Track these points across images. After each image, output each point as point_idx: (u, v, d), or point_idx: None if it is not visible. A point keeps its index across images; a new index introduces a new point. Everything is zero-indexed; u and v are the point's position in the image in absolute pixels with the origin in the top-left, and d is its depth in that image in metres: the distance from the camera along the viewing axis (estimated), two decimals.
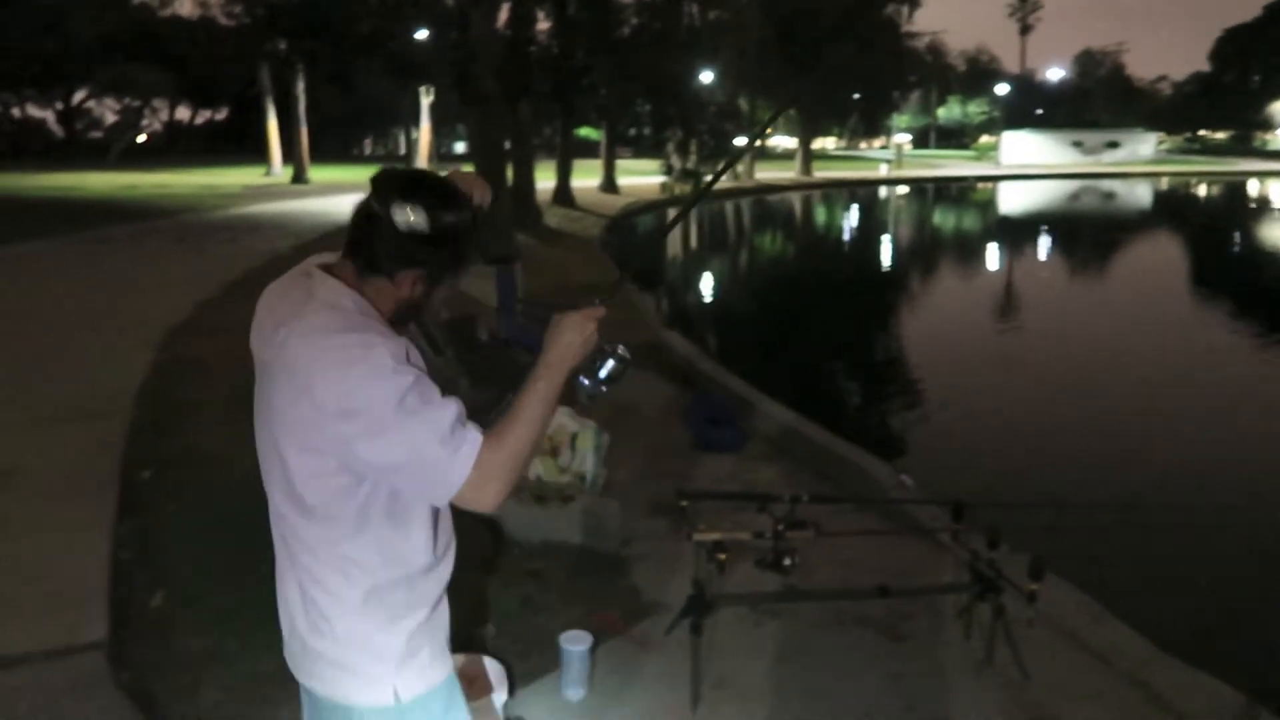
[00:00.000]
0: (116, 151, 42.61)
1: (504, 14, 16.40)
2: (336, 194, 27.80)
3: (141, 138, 56.05)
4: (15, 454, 5.07)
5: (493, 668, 2.74)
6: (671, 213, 27.48)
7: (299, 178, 33.04)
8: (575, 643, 2.99)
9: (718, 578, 3.10)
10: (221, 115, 62.23)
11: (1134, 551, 4.53)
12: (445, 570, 1.61)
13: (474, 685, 2.69)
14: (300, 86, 31.93)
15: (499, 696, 2.66)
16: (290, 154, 34.08)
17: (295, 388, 1.38)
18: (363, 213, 1.44)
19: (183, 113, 62.07)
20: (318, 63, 17.41)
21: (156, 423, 5.72)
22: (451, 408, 1.37)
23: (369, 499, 1.43)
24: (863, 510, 4.30)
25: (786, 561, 3.01)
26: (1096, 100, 78.55)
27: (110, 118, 54.33)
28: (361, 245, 1.44)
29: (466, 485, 1.36)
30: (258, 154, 39.49)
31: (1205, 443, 7.12)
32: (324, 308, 1.40)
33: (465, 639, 3.24)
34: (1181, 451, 6.91)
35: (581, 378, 1.53)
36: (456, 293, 1.55)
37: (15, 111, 53.83)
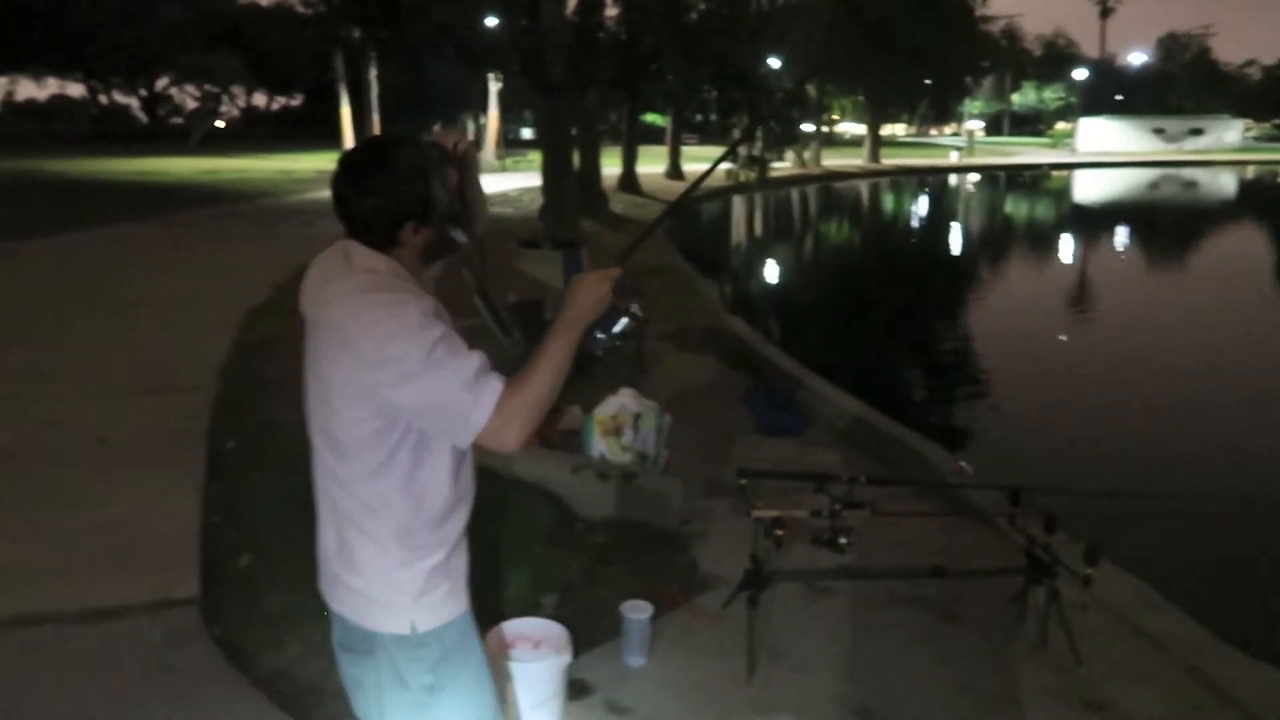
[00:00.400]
0: (197, 137, 43.91)
1: (573, 1, 16.55)
2: None
3: (220, 124, 57.66)
4: (109, 424, 5.38)
5: (557, 631, 2.88)
6: (737, 199, 27.41)
7: None
8: (636, 612, 3.12)
9: (775, 554, 3.19)
10: (296, 102, 63.65)
11: (1192, 540, 4.49)
12: (463, 515, 1.76)
13: (540, 647, 2.84)
14: (373, 74, 32.56)
15: (563, 659, 2.80)
16: (362, 140, 34.76)
17: (338, 342, 1.57)
18: (336, 200, 1.63)
19: (259, 99, 63.68)
20: (390, 50, 17.75)
21: (239, 398, 6.00)
22: (475, 358, 1.53)
23: (399, 443, 1.60)
24: (919, 494, 4.35)
25: (842, 540, 3.09)
26: (1180, 85, 75.71)
27: (190, 104, 55.95)
28: (354, 224, 1.63)
29: (489, 427, 1.51)
30: (331, 139, 40.37)
31: (1270, 437, 6.96)
32: (361, 271, 1.59)
33: (530, 605, 3.40)
34: (1245, 444, 6.77)
35: (596, 332, 1.67)
36: (475, 241, 1.70)
37: (102, 98, 55.82)
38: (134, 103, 58.07)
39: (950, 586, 3.54)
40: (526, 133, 75.51)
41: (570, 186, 13.76)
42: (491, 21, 15.69)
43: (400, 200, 1.59)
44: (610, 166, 22.43)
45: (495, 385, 1.52)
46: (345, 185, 1.62)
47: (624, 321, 1.70)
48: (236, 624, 3.35)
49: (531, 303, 6.58)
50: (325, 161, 35.83)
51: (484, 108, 43.63)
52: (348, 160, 1.65)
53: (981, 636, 3.35)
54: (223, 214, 17.89)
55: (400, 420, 1.58)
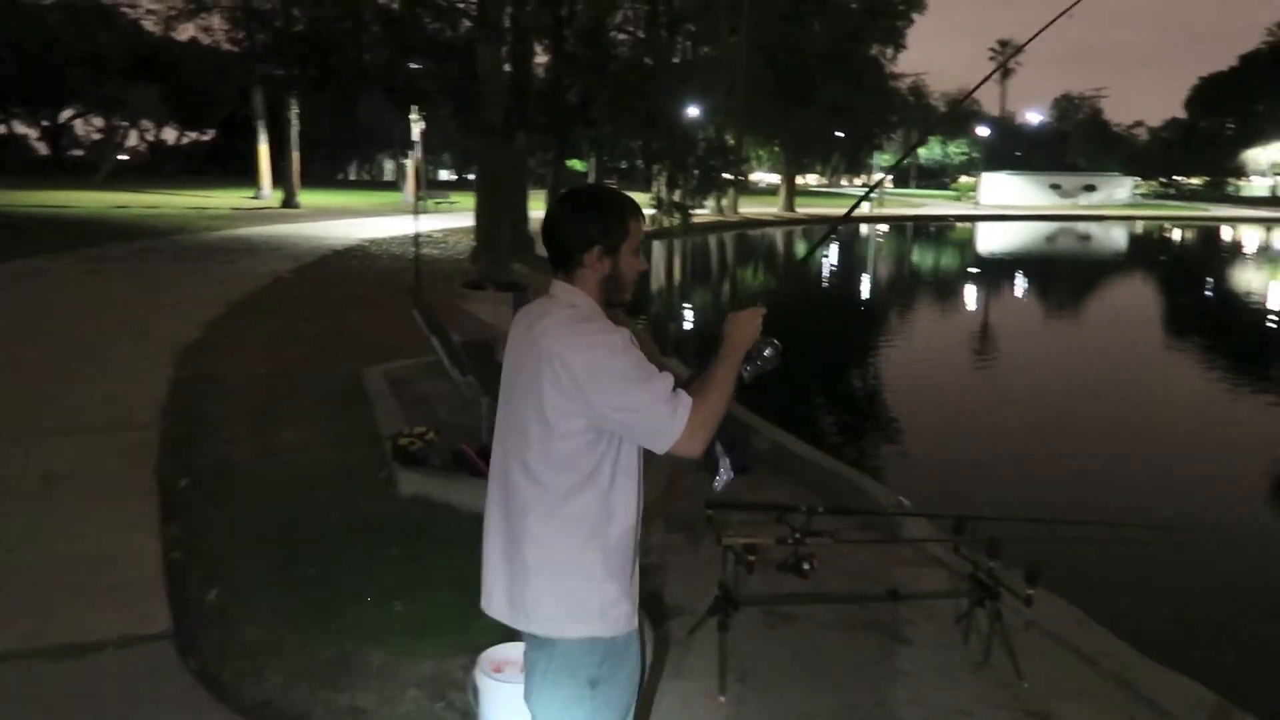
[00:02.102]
0: (105, 170, 42.61)
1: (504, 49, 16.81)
2: (326, 218, 28.05)
3: (123, 156, 55.99)
4: (53, 461, 5.30)
5: None
6: (656, 244, 27.89)
7: (289, 202, 33.22)
8: None
9: (741, 581, 3.39)
10: (208, 136, 62.33)
11: (1116, 565, 4.86)
12: (637, 535, 1.98)
13: (513, 668, 2.95)
14: (294, 112, 32.23)
15: None
16: (279, 177, 34.29)
17: (554, 368, 1.82)
18: (547, 227, 1.94)
19: (168, 133, 62.16)
20: (317, 89, 17.70)
21: (186, 436, 5.95)
22: (669, 378, 1.82)
23: (603, 457, 1.86)
24: (869, 525, 4.61)
25: (806, 566, 3.30)
26: (1075, 144, 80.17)
27: (95, 136, 54.29)
28: (556, 251, 1.94)
29: (681, 436, 1.79)
30: (244, 176, 39.64)
31: (1180, 468, 7.54)
32: (565, 306, 1.91)
33: (504, 633, 3.51)
34: (1158, 475, 7.33)
35: (745, 363, 1.99)
36: (639, 267, 1.99)
37: (1, 128, 53.77)
38: (33, 133, 56.13)
39: (901, 610, 3.79)
40: (444, 174, 75.43)
41: (504, 229, 13.88)
42: (420, 65, 15.85)
43: (600, 220, 1.91)
44: (535, 210, 22.66)
45: (686, 399, 1.81)
46: (559, 206, 1.95)
47: (768, 351, 2.01)
48: (213, 657, 3.37)
49: (480, 344, 6.69)
50: (240, 198, 35.26)
51: (405, 148, 43.51)
52: (566, 191, 2.02)
53: (931, 655, 3.59)
54: (140, 250, 17.46)
55: (605, 433, 1.84)
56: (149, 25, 35.55)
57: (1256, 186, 79.61)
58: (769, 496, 5.29)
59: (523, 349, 1.93)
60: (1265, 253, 37.71)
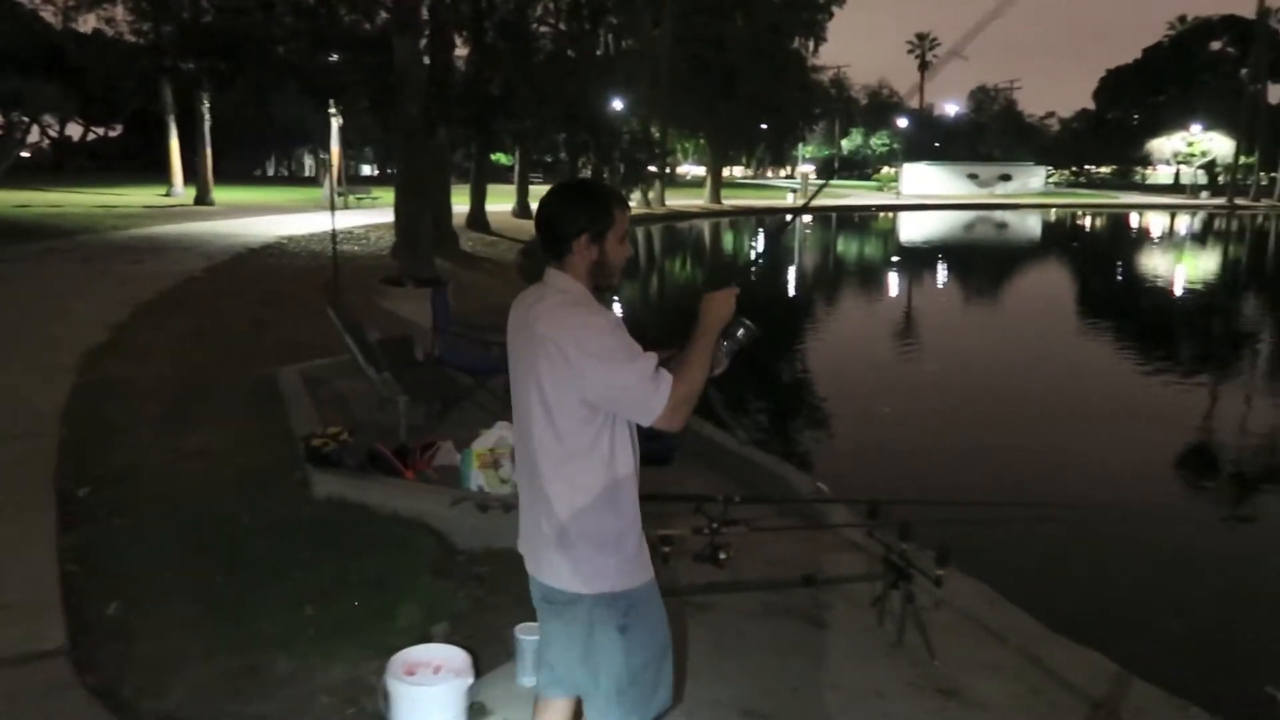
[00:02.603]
0: (4, 168, 40.77)
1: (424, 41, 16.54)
2: (242, 215, 27.29)
3: (25, 154, 53.62)
4: None
5: (457, 655, 2.96)
6: None
7: (203, 199, 32.24)
8: (529, 633, 3.21)
9: (657, 572, 3.38)
10: (116, 132, 60.08)
11: (1021, 543, 5.00)
12: (637, 481, 2.14)
13: (440, 671, 2.91)
14: (205, 106, 31.24)
15: (463, 681, 2.88)
16: (192, 174, 33.26)
17: (551, 349, 1.98)
18: (540, 217, 2.08)
19: (73, 129, 59.75)
20: (231, 84, 17.16)
21: (87, 443, 5.70)
22: (653, 357, 1.97)
23: (603, 426, 2.02)
24: (787, 513, 4.65)
25: (722, 555, 3.32)
26: (991, 135, 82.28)
27: None
28: (547, 239, 2.08)
29: (664, 410, 1.94)
30: (155, 173, 38.32)
31: (1087, 447, 7.78)
32: (557, 292, 2.06)
33: (422, 635, 3.45)
34: (1067, 455, 7.56)
35: (722, 340, 2.10)
36: (625, 253, 2.12)
37: None
38: None
39: (818, 596, 3.83)
40: (367, 169, 74.01)
41: (425, 224, 13.66)
42: (336, 57, 15.49)
43: (589, 207, 2.06)
44: (459, 204, 22.38)
45: (668, 377, 1.96)
46: (550, 197, 2.09)
47: (741, 331, 2.13)
48: (112, 672, 3.23)
49: (398, 340, 6.57)
50: (151, 196, 34.06)
51: (324, 144, 42.58)
52: (557, 184, 2.18)
53: (847, 639, 3.63)
54: (41, 251, 16.73)
55: (600, 404, 1.99)
56: (48, 16, 34.08)
57: (1161, 175, 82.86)
58: (690, 485, 5.32)
59: (520, 334, 2.09)
60: (1170, 238, 39.27)
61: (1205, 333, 16.24)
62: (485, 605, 3.78)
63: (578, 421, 2.01)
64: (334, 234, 11.75)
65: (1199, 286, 22.56)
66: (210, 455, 5.49)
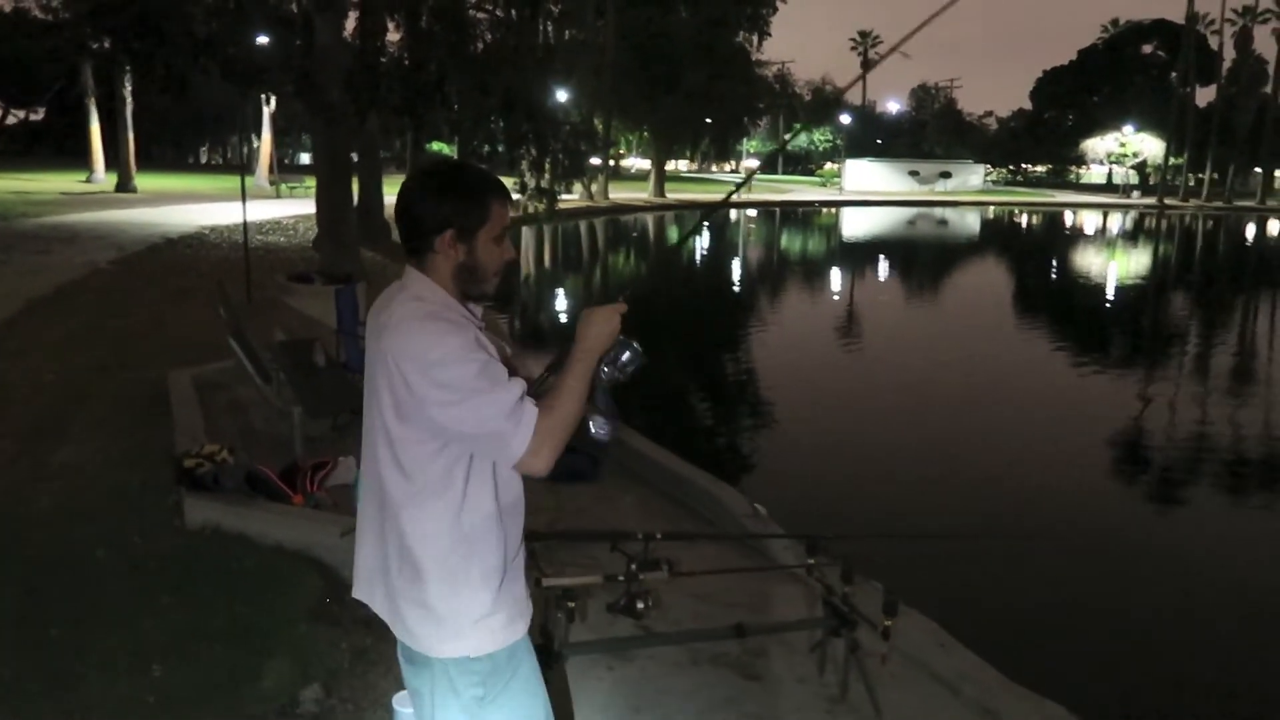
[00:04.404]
0: None
1: (353, 22, 15.81)
2: (166, 203, 26.15)
3: None
4: None
5: None
6: (526, 230, 27.26)
7: (124, 185, 30.92)
8: (408, 704, 2.73)
9: (567, 626, 2.91)
10: (38, 115, 57.64)
11: (980, 578, 4.63)
12: (515, 536, 1.78)
13: None
14: (127, 89, 29.90)
15: None
16: (115, 160, 31.87)
17: (390, 369, 1.61)
18: (398, 205, 1.69)
19: None
20: (146, 64, 16.20)
21: None
22: (515, 387, 1.59)
23: (455, 464, 1.64)
24: (718, 544, 4.21)
25: (640, 605, 2.86)
26: (931, 132, 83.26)
27: None
28: (406, 233, 1.69)
29: (526, 451, 1.57)
30: (78, 158, 36.78)
31: (1040, 465, 7.37)
32: (410, 299, 1.66)
33: (287, 701, 2.95)
34: (1018, 474, 7.13)
35: (603, 365, 1.72)
36: (502, 256, 1.73)
37: None
38: None
39: (752, 643, 3.39)
40: (305, 157, 72.14)
41: (350, 215, 12.99)
42: (263, 39, 14.67)
43: (454, 200, 1.67)
44: (391, 194, 21.63)
45: (533, 410, 1.58)
46: (411, 182, 1.71)
47: (627, 354, 1.74)
48: None
49: (298, 343, 6.00)
50: (71, 182, 32.56)
51: (256, 130, 41.24)
52: (421, 166, 1.80)
53: (784, 693, 3.21)
54: None
55: (453, 441, 1.62)
56: None
57: (1095, 174, 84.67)
58: (614, 505, 4.88)
59: (373, 344, 1.71)
60: (1103, 235, 39.92)
61: (1147, 330, 16.28)
62: (370, 658, 3.27)
63: (425, 456, 1.64)
64: (245, 225, 11.05)
65: (1137, 283, 22.79)
66: (76, 474, 4.88)
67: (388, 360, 1.62)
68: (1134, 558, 5.47)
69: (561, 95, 28.65)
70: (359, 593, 1.82)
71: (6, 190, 27.63)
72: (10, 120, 58.57)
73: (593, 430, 1.77)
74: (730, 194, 2.33)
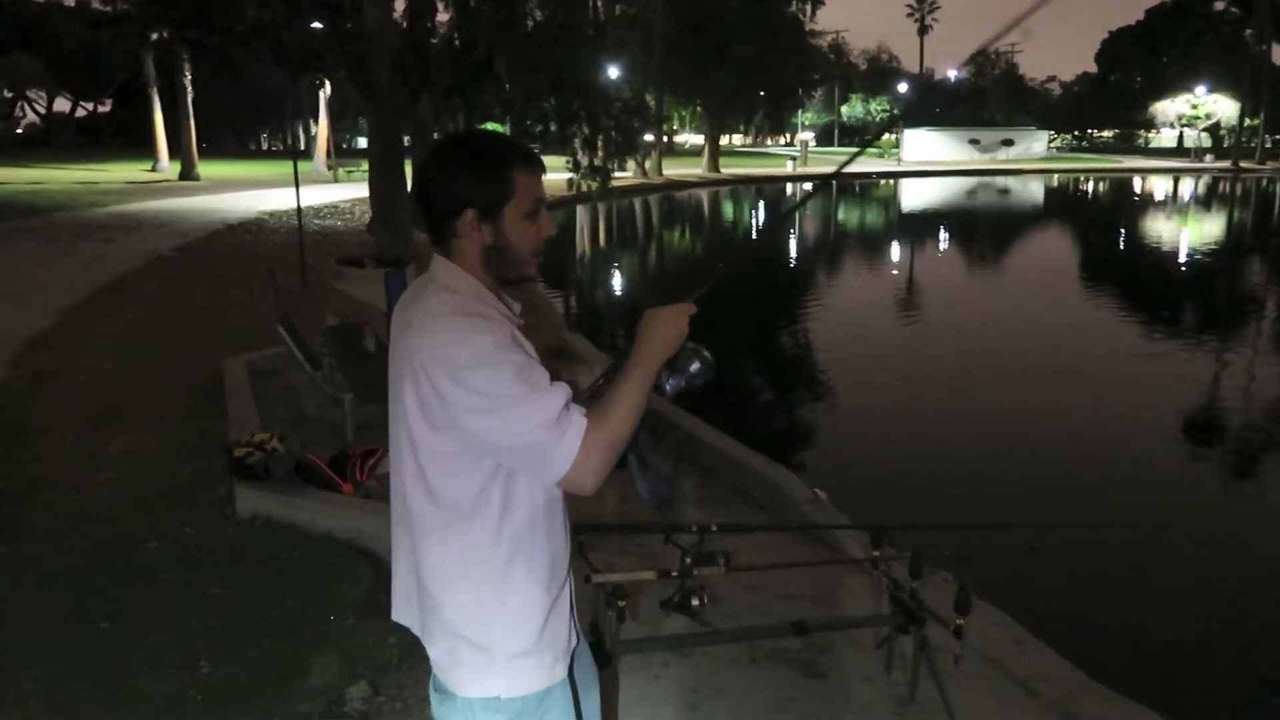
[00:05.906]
0: None
1: (402, 3, 15.76)
2: (228, 190, 26.60)
3: (18, 130, 52.76)
4: None
5: None
6: (580, 209, 27.16)
7: (187, 173, 31.55)
8: None
9: (618, 625, 2.79)
10: (105, 107, 59.12)
11: (1056, 568, 4.39)
12: (561, 569, 1.60)
13: None
14: (187, 77, 30.43)
15: None
16: (178, 148, 32.52)
17: (415, 373, 1.43)
18: (415, 188, 1.53)
19: (61, 103, 58.76)
20: (203, 52, 16.46)
21: None
22: (559, 393, 1.40)
23: (489, 481, 1.46)
24: (777, 537, 4.05)
25: (695, 602, 2.72)
26: (992, 99, 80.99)
27: None
28: (426, 217, 1.52)
29: (572, 467, 1.40)
30: (143, 148, 37.60)
31: (1119, 451, 6.89)
32: (439, 291, 1.49)
33: (333, 700, 2.88)
34: (1095, 461, 6.64)
35: (666, 373, 1.54)
36: (539, 233, 1.54)
37: None
38: None
39: (814, 638, 3.24)
40: (362, 142, 72.92)
41: (402, 198, 12.99)
42: (314, 24, 14.75)
43: (471, 178, 1.48)
44: None
45: (580, 421, 1.41)
46: (426, 159, 1.52)
47: (696, 365, 1.57)
48: None
49: (349, 328, 5.96)
50: (135, 171, 33.31)
51: (314, 115, 41.70)
52: (438, 141, 1.62)
53: (848, 693, 3.05)
54: (9, 231, 16.10)
55: (486, 453, 1.44)
56: None
57: (1164, 138, 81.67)
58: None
59: (398, 343, 1.51)
60: (1174, 201, 38.45)
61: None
62: (418, 655, 3.16)
63: (458, 472, 1.45)
64: (299, 210, 11.13)
65: (1211, 249, 21.87)
66: (132, 464, 4.89)
67: (413, 361, 1.44)
68: (1224, 547, 5.15)
69: (613, 72, 28.41)
70: (398, 615, 1.65)
71: (76, 181, 28.36)
72: (79, 113, 60.20)
73: (639, 489, 1.62)
74: (845, 163, 2.08)
